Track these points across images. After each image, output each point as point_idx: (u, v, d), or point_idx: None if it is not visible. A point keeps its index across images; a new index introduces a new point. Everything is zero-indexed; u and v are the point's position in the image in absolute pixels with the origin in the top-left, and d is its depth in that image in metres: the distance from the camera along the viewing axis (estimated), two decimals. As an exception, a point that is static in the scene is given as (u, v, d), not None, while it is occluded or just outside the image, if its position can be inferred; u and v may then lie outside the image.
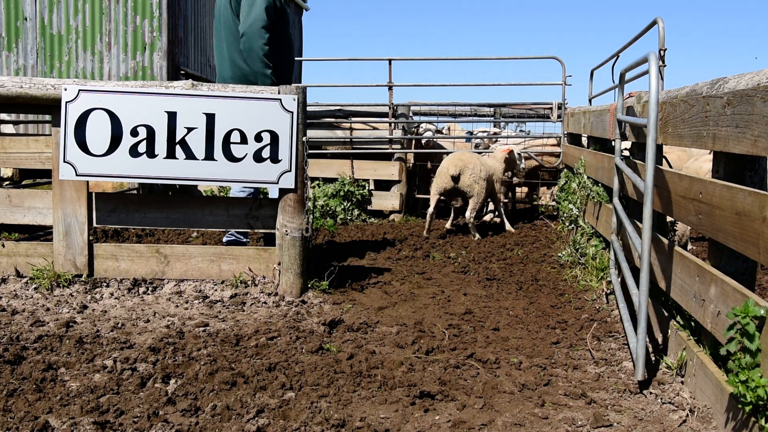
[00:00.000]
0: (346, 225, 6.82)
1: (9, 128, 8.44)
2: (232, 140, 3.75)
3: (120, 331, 3.24)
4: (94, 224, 3.94)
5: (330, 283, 4.04)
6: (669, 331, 2.85)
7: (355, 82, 15.71)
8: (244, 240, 4.75)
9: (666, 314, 2.96)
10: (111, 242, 4.99)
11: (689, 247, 4.91)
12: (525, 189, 8.56)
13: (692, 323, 2.77)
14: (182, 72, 8.90)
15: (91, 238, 3.93)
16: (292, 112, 3.77)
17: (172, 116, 3.71)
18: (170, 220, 3.98)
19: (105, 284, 3.89)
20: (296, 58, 10.27)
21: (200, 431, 2.23)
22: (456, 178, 6.04)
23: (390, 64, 7.45)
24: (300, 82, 10.49)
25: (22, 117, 8.30)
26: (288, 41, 4.63)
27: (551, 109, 7.50)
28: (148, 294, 3.85)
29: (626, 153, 3.97)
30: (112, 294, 3.81)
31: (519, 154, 6.72)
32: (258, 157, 3.77)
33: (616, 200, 3.76)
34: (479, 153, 7.00)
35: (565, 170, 6.48)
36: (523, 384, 2.67)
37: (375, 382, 2.64)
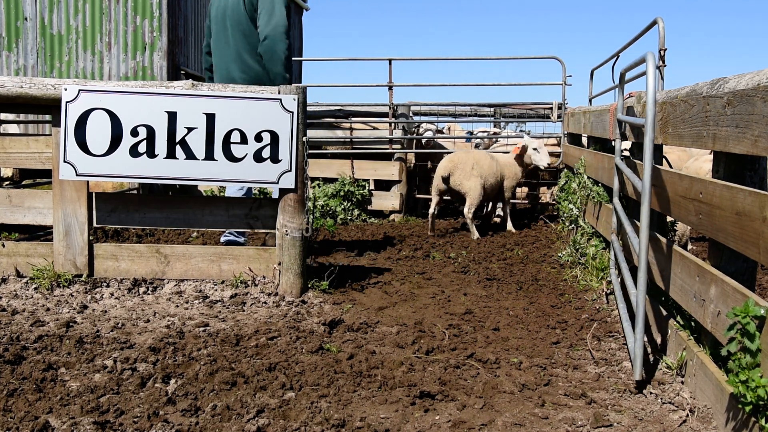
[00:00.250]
0: (346, 225, 6.82)
1: (14, 128, 8.44)
2: (232, 140, 3.75)
3: (120, 331, 3.24)
4: (94, 224, 3.94)
5: (330, 283, 4.04)
6: (669, 330, 2.85)
7: (355, 82, 15.72)
8: (241, 240, 4.76)
9: (666, 314, 2.96)
10: (111, 242, 4.99)
11: (689, 247, 4.91)
12: (525, 189, 8.56)
13: (692, 323, 2.77)
14: (182, 72, 8.91)
15: (91, 238, 3.93)
16: (293, 112, 3.77)
17: (172, 116, 3.71)
18: (170, 220, 3.98)
19: (105, 284, 3.89)
20: (296, 58, 10.29)
21: (200, 431, 2.23)
22: (446, 179, 6.16)
23: (390, 64, 7.46)
24: (300, 82, 10.49)
25: (22, 117, 8.31)
26: (291, 42, 4.67)
27: (551, 109, 7.50)
28: (148, 294, 3.85)
29: (626, 153, 3.97)
30: (112, 294, 3.81)
31: (534, 149, 6.48)
32: (258, 157, 3.77)
33: (616, 200, 3.76)
34: (493, 152, 6.99)
35: (565, 170, 6.48)
36: (523, 384, 2.67)
37: (375, 382, 2.64)
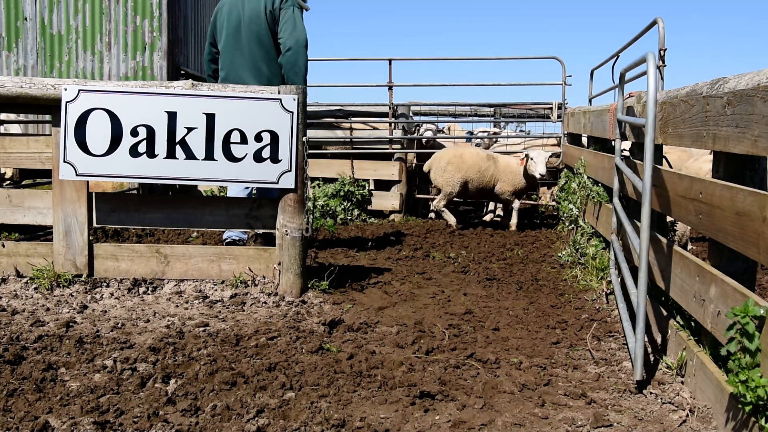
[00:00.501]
0: (346, 225, 6.82)
1: (16, 128, 8.43)
2: (232, 140, 3.75)
3: (120, 331, 3.24)
4: (94, 224, 3.94)
5: (330, 283, 4.04)
6: (669, 330, 2.85)
7: (355, 82, 15.70)
8: (245, 238, 4.75)
9: (666, 314, 2.96)
10: (111, 242, 4.99)
11: (689, 247, 4.91)
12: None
13: (692, 323, 2.76)
14: (182, 72, 8.90)
15: (91, 238, 3.93)
16: (292, 112, 3.77)
17: (172, 116, 3.71)
18: (170, 220, 3.98)
19: (105, 284, 3.89)
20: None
21: (200, 431, 2.23)
22: (427, 174, 6.63)
23: (390, 64, 7.45)
24: (300, 82, 10.46)
25: (22, 117, 8.30)
26: None
27: (551, 109, 7.50)
28: (148, 294, 3.85)
29: (626, 153, 3.97)
30: (112, 294, 3.81)
31: (531, 158, 6.34)
32: (258, 157, 3.77)
33: (616, 200, 3.76)
34: (498, 153, 6.97)
35: (565, 170, 6.48)
36: (523, 384, 2.67)
37: (375, 382, 2.64)
